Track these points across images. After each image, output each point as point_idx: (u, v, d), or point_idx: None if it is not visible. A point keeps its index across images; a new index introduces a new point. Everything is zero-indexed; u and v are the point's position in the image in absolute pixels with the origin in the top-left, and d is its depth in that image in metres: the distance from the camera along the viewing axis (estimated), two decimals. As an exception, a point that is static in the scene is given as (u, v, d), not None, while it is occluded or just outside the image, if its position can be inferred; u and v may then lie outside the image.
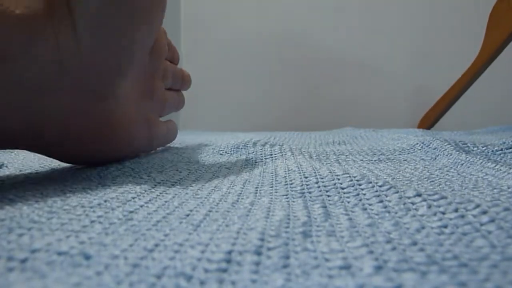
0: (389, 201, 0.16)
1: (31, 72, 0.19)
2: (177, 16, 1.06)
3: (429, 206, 0.15)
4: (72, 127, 0.22)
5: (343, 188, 0.18)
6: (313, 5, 1.02)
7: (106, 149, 0.24)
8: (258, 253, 0.11)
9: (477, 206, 0.14)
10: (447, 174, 0.24)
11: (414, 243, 0.12)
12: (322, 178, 0.20)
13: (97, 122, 0.23)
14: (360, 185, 0.18)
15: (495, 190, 0.19)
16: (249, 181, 0.21)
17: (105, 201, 0.17)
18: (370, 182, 0.18)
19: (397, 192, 0.17)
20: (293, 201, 0.17)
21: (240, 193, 0.19)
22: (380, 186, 0.18)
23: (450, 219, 0.14)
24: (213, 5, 1.07)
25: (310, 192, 0.18)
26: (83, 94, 0.21)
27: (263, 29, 1.04)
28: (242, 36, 1.05)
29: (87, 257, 0.11)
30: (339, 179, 0.19)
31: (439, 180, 0.22)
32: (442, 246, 0.12)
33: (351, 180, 0.19)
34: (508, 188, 0.19)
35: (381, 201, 0.16)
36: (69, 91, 0.21)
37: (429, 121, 0.79)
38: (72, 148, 0.23)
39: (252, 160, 0.29)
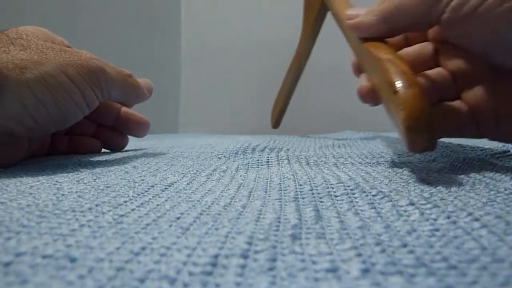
0: (382, 208, 0.16)
1: None
2: (178, 18, 1.07)
3: (422, 213, 0.15)
4: None
5: (336, 196, 0.18)
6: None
7: None
8: (245, 256, 0.11)
9: (469, 214, 0.14)
10: (444, 176, 0.23)
11: (404, 245, 0.12)
12: (316, 187, 0.19)
13: None
14: (353, 194, 0.18)
15: (491, 192, 0.19)
16: (243, 186, 0.21)
17: (97, 205, 0.17)
18: (364, 192, 0.18)
19: (390, 201, 0.17)
20: (286, 205, 0.17)
21: (233, 197, 0.19)
22: (373, 196, 0.18)
23: (442, 224, 0.14)
24: (213, 8, 1.07)
25: (303, 198, 0.18)
26: None
27: (264, 32, 1.04)
28: (243, 39, 1.05)
29: (72, 259, 0.11)
30: (333, 188, 0.19)
31: (436, 182, 0.22)
32: (432, 248, 0.12)
33: (345, 189, 0.19)
34: (505, 190, 0.19)
35: (373, 208, 0.16)
36: None
37: (274, 120, 0.76)
38: None
39: (249, 166, 0.29)
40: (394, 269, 0.10)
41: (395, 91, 0.21)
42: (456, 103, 0.27)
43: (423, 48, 0.28)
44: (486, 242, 0.12)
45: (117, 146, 0.42)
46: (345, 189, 0.19)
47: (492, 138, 0.26)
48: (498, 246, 0.11)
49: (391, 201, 0.17)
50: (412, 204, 0.16)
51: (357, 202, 0.17)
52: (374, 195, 0.18)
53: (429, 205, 0.16)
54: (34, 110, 0.27)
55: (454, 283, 0.09)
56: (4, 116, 0.26)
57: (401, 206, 0.16)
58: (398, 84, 0.21)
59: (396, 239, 0.12)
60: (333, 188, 0.19)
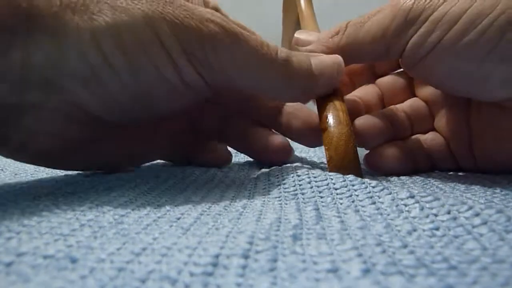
0: (382, 202, 0.16)
1: None
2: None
3: (422, 208, 0.15)
4: None
5: (336, 189, 0.18)
6: (319, 7, 1.01)
7: None
8: (246, 256, 0.11)
9: (470, 208, 0.14)
10: (442, 177, 0.23)
11: (405, 246, 0.12)
12: (315, 177, 0.19)
13: None
14: (353, 185, 0.18)
15: (487, 193, 0.19)
16: (243, 184, 0.21)
17: (97, 205, 0.17)
18: (363, 183, 0.18)
19: (390, 193, 0.17)
20: (286, 203, 0.17)
21: (233, 196, 0.19)
22: (373, 187, 0.17)
23: (442, 221, 0.14)
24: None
25: (303, 194, 0.18)
26: None
27: (264, 31, 1.04)
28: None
29: (73, 260, 0.11)
30: (332, 179, 0.19)
31: (434, 182, 0.22)
32: (433, 249, 0.12)
33: (344, 181, 0.18)
34: (501, 191, 0.19)
35: (373, 203, 0.16)
36: None
37: None
38: None
39: (249, 164, 0.29)
40: (395, 269, 0.10)
41: (324, 128, 0.21)
42: (430, 135, 0.26)
43: (398, 76, 0.28)
44: (487, 242, 0.12)
45: (220, 163, 0.28)
46: (344, 180, 0.18)
47: (473, 171, 0.25)
48: (499, 246, 0.11)
49: (390, 193, 0.17)
50: (412, 197, 0.16)
51: (357, 195, 0.17)
52: (373, 187, 0.17)
53: (429, 198, 0.16)
54: (103, 73, 0.19)
55: (455, 283, 0.09)
56: (66, 74, 0.18)
57: (401, 199, 0.16)
58: (329, 121, 0.21)
59: (397, 239, 0.12)
60: (332, 179, 0.19)
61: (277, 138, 0.27)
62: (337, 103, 0.22)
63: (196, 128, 0.28)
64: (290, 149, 0.27)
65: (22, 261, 0.11)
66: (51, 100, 0.19)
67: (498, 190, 0.19)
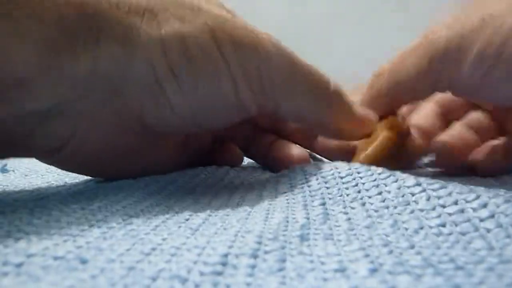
0: (389, 191, 0.16)
1: None
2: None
3: (428, 198, 0.15)
4: None
5: (341, 178, 0.18)
6: (320, 11, 1.01)
7: None
8: (255, 256, 0.11)
9: (477, 197, 0.14)
10: (443, 178, 0.23)
11: (412, 246, 0.12)
12: (321, 171, 0.19)
13: None
14: (359, 173, 0.18)
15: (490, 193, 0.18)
16: (251, 184, 0.21)
17: (106, 204, 0.17)
18: (369, 170, 0.18)
19: (397, 181, 0.16)
20: (293, 199, 0.17)
21: (242, 196, 0.19)
22: (379, 174, 0.17)
23: (449, 214, 0.14)
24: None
25: (309, 186, 0.18)
26: None
27: (265, 29, 1.04)
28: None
29: (83, 261, 0.11)
30: (337, 168, 0.19)
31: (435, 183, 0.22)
32: (439, 249, 0.12)
33: (350, 169, 0.18)
34: (506, 193, 0.19)
35: (380, 193, 0.16)
36: None
37: None
38: None
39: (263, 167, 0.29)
40: (402, 269, 0.10)
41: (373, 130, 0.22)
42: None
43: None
44: (494, 240, 0.12)
45: (231, 162, 0.28)
46: (350, 169, 0.18)
47: None
48: (506, 244, 0.11)
49: (397, 181, 0.16)
50: (419, 184, 0.16)
51: (363, 184, 0.17)
52: (379, 173, 0.17)
53: (436, 185, 0.15)
54: (166, 82, 0.19)
55: (462, 283, 0.09)
56: (132, 81, 0.19)
57: (408, 187, 0.16)
58: (382, 125, 0.22)
59: (404, 239, 0.12)
60: (337, 168, 0.19)
61: (297, 149, 0.26)
62: (393, 120, 0.23)
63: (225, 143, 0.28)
64: (309, 160, 0.26)
65: (32, 262, 0.11)
66: (111, 106, 0.19)
67: (502, 193, 0.19)
